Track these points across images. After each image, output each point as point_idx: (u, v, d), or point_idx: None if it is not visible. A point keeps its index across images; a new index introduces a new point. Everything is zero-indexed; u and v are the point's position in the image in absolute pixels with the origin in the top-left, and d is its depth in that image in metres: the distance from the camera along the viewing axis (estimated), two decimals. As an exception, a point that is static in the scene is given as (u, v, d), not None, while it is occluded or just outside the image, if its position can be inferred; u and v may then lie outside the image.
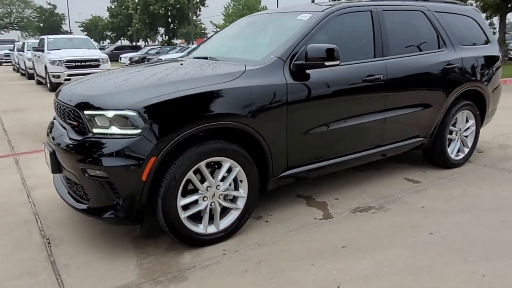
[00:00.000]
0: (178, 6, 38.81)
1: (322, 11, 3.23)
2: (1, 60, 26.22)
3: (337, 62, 2.87)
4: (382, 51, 3.45)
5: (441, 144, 4.05)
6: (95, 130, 2.43)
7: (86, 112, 2.47)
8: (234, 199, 2.80)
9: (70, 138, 2.56)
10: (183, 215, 2.54)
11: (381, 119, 3.44)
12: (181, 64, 3.29)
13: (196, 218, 2.67)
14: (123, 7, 47.81)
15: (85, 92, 2.71)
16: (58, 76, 11.41)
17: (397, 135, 3.72)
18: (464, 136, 4.31)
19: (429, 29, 3.92)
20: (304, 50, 2.83)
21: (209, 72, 2.84)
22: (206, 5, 42.70)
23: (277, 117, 2.80)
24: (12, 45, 23.50)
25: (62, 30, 61.32)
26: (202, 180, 2.60)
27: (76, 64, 11.74)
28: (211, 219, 2.70)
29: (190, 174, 2.51)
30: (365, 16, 3.43)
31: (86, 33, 59.91)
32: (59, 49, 12.49)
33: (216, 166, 2.66)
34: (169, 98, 2.41)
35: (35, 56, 13.72)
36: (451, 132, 4.17)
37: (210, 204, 2.66)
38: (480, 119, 4.43)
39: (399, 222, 3.04)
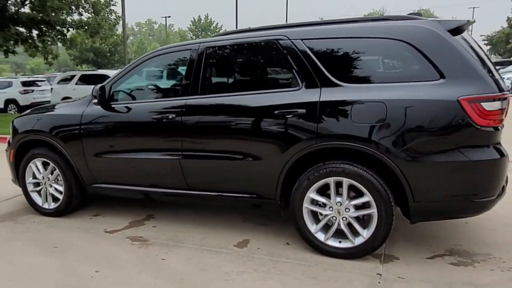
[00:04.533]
0: None
1: (147, 53, 3.62)
2: None
3: (96, 100, 3.40)
4: (188, 91, 3.29)
5: (294, 216, 3.05)
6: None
7: None
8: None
9: None
10: (30, 189, 4.11)
11: (174, 160, 3.33)
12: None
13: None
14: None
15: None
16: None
17: (211, 183, 3.32)
18: (352, 217, 2.90)
19: (281, 63, 3.06)
20: (100, 89, 3.58)
21: (66, 104, 4.15)
22: None
23: (74, 139, 3.73)
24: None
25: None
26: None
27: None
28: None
29: (31, 165, 4.03)
30: (182, 56, 3.39)
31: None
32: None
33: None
34: (18, 119, 4.08)
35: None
36: (315, 202, 2.99)
37: (46, 189, 4.05)
38: (402, 202, 2.80)
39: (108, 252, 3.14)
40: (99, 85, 3.51)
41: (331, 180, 2.89)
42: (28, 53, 14.77)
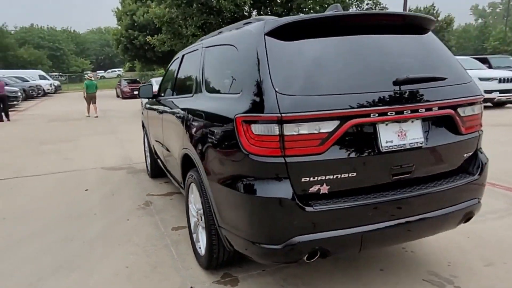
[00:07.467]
0: None
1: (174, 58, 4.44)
2: None
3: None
4: (173, 90, 3.96)
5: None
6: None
7: None
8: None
9: None
10: (146, 155, 5.89)
11: (163, 147, 4.12)
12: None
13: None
14: None
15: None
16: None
17: (172, 171, 3.90)
18: (202, 226, 2.88)
19: (195, 71, 3.22)
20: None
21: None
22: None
23: (145, 122, 5.11)
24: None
25: None
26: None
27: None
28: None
29: (144, 139, 5.77)
30: (178, 59, 4.01)
31: None
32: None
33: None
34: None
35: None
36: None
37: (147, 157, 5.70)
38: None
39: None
40: (140, 85, 4.73)
41: (193, 185, 2.96)
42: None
